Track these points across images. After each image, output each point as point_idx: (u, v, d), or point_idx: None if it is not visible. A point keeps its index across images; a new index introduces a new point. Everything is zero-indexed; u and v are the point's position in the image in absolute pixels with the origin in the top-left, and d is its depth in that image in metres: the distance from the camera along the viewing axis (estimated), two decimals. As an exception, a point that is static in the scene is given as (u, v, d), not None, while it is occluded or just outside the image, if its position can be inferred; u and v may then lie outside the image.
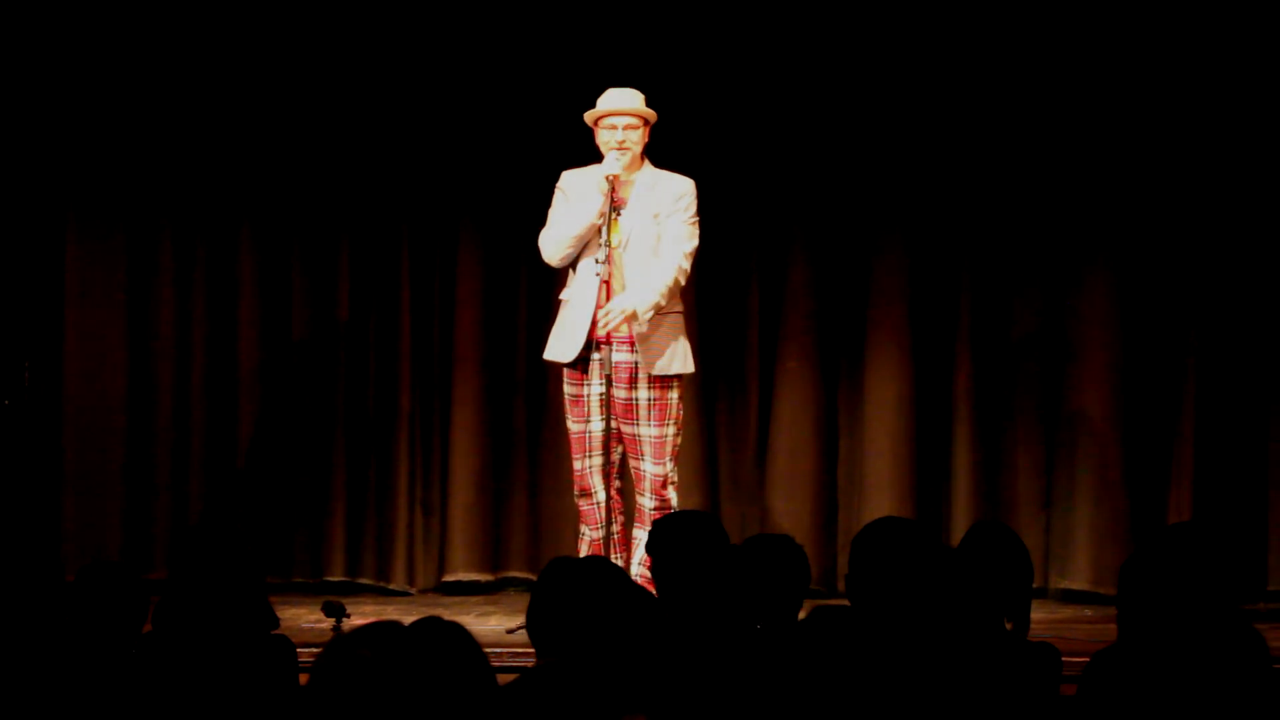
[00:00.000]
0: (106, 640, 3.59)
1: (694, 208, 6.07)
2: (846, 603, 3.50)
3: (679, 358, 6.06)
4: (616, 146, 5.99)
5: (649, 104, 6.11)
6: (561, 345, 6.11)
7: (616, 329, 5.90)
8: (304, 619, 6.40)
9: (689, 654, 3.54)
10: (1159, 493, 7.05)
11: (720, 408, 7.36)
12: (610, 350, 5.96)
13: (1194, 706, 2.92)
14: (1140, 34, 6.99)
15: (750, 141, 7.24)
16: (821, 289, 7.27)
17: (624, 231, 5.99)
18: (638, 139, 6.04)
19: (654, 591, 4.20)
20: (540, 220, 6.18)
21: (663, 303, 5.94)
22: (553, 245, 6.08)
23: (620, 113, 6.04)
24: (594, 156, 6.13)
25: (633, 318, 5.90)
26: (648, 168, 6.13)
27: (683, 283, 6.05)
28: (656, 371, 6.00)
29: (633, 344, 6.01)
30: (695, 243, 6.06)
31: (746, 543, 4.10)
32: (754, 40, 7.21)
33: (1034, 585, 6.90)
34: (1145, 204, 7.04)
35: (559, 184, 6.17)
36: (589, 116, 6.09)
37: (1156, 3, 6.99)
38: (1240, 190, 6.98)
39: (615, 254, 5.97)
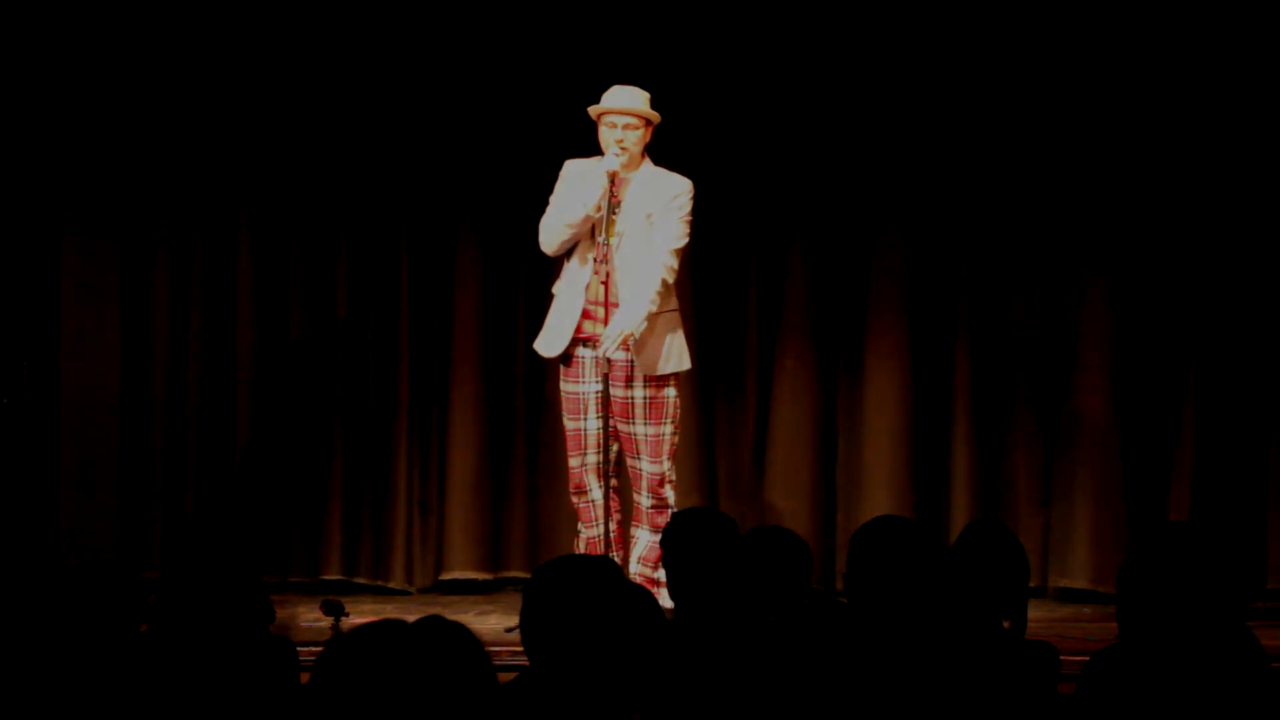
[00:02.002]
0: (104, 638, 3.59)
1: (688, 207, 6.05)
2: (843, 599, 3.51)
3: (674, 356, 6.05)
4: (615, 144, 6.00)
5: (652, 105, 6.10)
6: (547, 340, 6.12)
7: (621, 348, 5.89)
8: (302, 618, 6.39)
9: (693, 651, 3.53)
10: (1159, 492, 7.04)
11: (719, 407, 7.35)
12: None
13: (1192, 706, 2.91)
14: (1136, 34, 6.99)
15: (750, 141, 7.22)
16: (820, 288, 7.26)
17: (618, 230, 5.99)
18: (637, 139, 6.03)
19: (654, 591, 4.19)
20: (540, 217, 6.18)
21: (654, 309, 5.93)
22: (549, 231, 6.07)
23: (621, 112, 6.04)
24: (596, 150, 6.13)
25: (630, 336, 5.90)
26: (647, 166, 6.12)
27: (670, 281, 6.02)
28: (651, 371, 5.99)
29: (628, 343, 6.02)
30: (685, 240, 6.05)
31: (747, 535, 4.09)
32: (754, 40, 7.19)
33: (1034, 584, 6.98)
34: (1145, 204, 7.03)
35: (563, 171, 6.16)
36: (593, 111, 6.09)
37: (1159, 5, 6.99)
38: (1240, 189, 6.97)
39: (610, 252, 5.97)
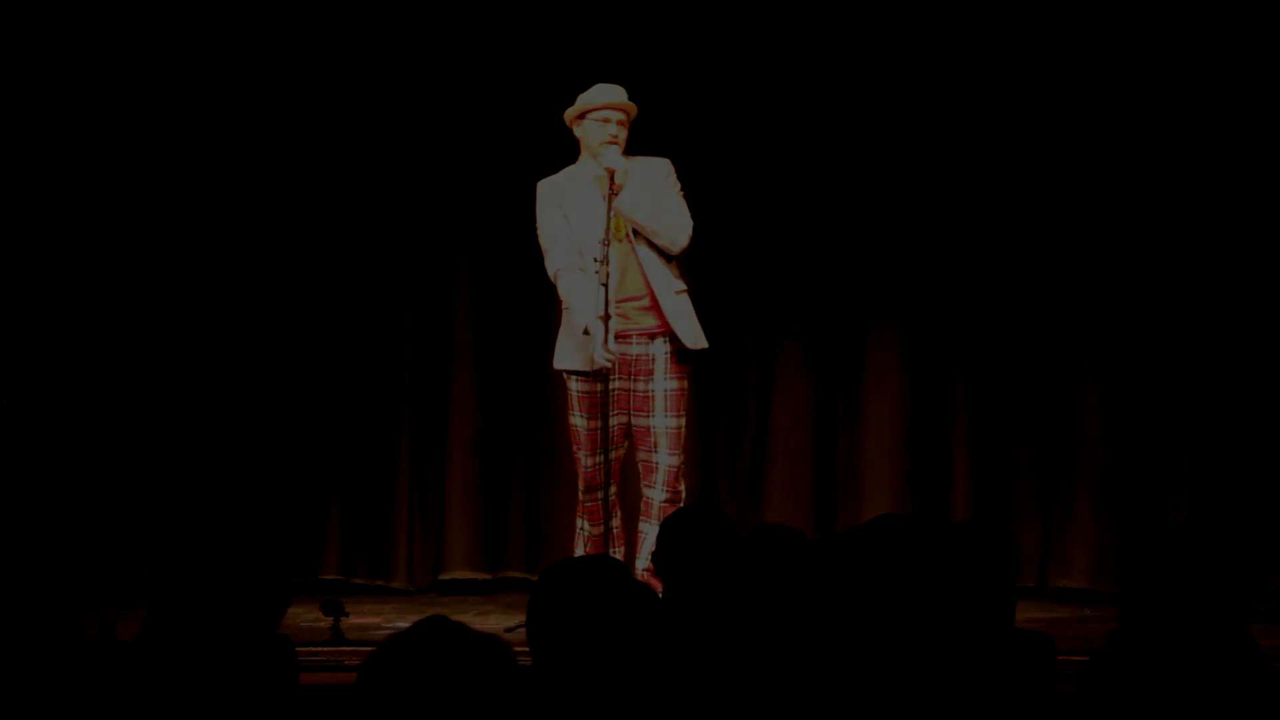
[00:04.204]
0: (101, 637, 3.58)
1: (678, 185, 6.10)
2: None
3: (699, 332, 6.07)
4: (610, 140, 5.99)
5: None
6: (575, 354, 6.04)
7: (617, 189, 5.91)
8: (302, 618, 6.39)
9: (696, 651, 3.53)
10: (1159, 492, 7.04)
11: (718, 410, 7.36)
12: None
13: (1191, 707, 2.91)
14: (1136, 53, 7.01)
15: (751, 143, 7.25)
16: (819, 286, 7.27)
17: (626, 224, 5.99)
18: (625, 135, 6.05)
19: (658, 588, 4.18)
20: (534, 228, 6.16)
21: (654, 226, 5.95)
22: (564, 296, 6.05)
23: (614, 107, 6.04)
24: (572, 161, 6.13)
25: (622, 180, 5.92)
26: (630, 161, 6.13)
27: (683, 244, 6.02)
28: (695, 344, 6.00)
29: (652, 336, 6.00)
30: (688, 213, 6.08)
31: (751, 533, 4.06)
32: (749, 64, 7.23)
33: (1034, 584, 6.98)
34: (1143, 200, 7.04)
35: (539, 195, 6.12)
36: (576, 111, 6.07)
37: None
38: (1237, 191, 6.97)
39: (622, 246, 5.96)
